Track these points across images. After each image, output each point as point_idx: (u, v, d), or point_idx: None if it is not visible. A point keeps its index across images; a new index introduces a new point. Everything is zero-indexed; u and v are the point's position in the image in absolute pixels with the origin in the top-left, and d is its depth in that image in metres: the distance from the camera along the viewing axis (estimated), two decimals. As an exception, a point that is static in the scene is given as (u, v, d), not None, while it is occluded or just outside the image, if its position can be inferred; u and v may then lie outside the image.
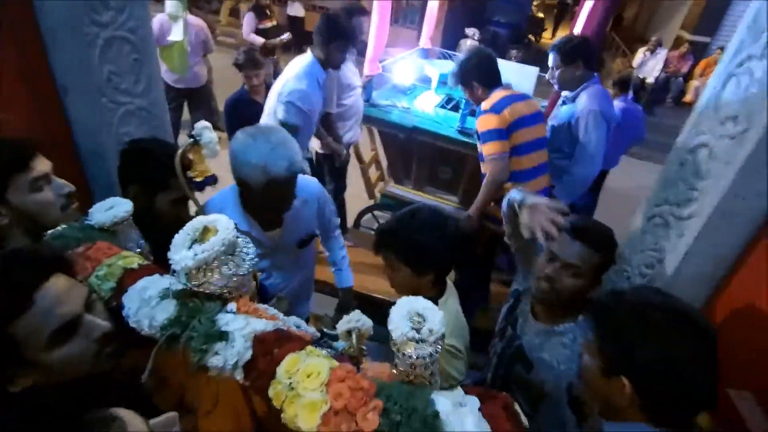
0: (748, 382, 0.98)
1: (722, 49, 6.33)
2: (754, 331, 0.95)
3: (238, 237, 0.87)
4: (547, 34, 13.33)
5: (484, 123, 2.06)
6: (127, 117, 1.46)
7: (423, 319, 0.71)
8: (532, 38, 11.91)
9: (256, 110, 2.63)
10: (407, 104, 3.18)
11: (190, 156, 1.08)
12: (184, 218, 1.22)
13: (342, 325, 0.96)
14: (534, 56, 9.79)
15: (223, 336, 0.74)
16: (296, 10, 8.20)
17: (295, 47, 8.51)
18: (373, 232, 3.49)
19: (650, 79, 6.51)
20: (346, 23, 2.23)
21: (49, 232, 0.96)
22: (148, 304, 0.81)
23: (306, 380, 0.67)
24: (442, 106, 3.29)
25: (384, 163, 3.74)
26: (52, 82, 1.29)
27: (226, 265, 0.81)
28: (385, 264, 1.23)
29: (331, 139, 2.65)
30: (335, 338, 1.04)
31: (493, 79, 2.16)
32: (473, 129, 2.89)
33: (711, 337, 0.75)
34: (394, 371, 0.76)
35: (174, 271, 0.80)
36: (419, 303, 0.74)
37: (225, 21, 8.60)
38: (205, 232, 0.82)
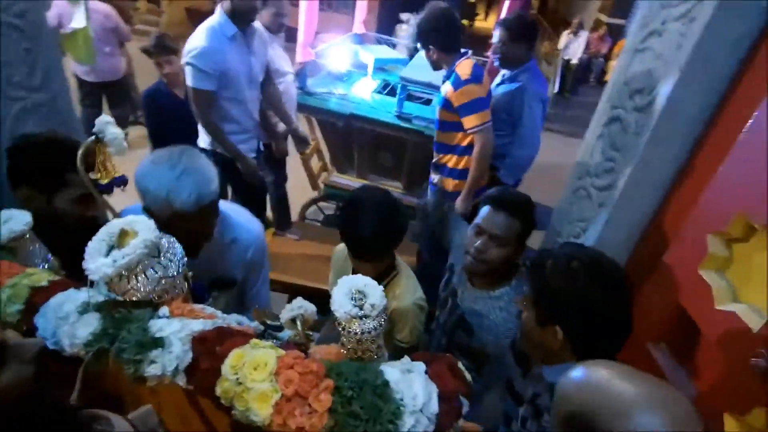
0: (664, 335, 1.07)
1: (635, 30, 6.79)
2: (664, 288, 1.04)
3: (161, 237, 0.81)
4: (480, 19, 13.65)
5: (469, 93, 1.95)
6: (24, 114, 1.30)
7: (364, 296, 0.74)
8: (466, 23, 12.16)
9: (175, 102, 2.46)
10: (344, 91, 3.13)
11: (98, 157, 0.97)
12: (92, 218, 1.14)
13: (285, 314, 0.94)
14: (468, 40, 10.05)
15: (158, 342, 0.70)
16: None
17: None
18: (319, 224, 3.48)
19: (574, 61, 6.89)
20: None
21: None
22: (67, 321, 0.74)
23: (253, 372, 0.66)
24: (379, 92, 3.27)
25: (326, 152, 3.67)
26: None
27: (152, 269, 0.76)
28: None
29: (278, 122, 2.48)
30: (279, 329, 1.02)
31: (454, 45, 2.04)
32: (410, 114, 2.93)
33: (623, 283, 0.86)
34: (343, 351, 0.77)
35: (92, 282, 0.73)
36: (359, 280, 0.76)
37: (144, 8, 7.96)
38: (123, 235, 0.76)
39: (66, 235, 0.92)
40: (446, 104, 2.05)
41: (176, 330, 0.72)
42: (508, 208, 1.19)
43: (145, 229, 0.76)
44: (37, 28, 1.31)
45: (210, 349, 0.71)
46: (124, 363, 0.70)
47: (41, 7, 1.34)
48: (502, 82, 2.41)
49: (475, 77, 1.96)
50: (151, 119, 2.58)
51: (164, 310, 0.77)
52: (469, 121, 1.99)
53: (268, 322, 1.01)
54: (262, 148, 2.49)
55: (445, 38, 2.02)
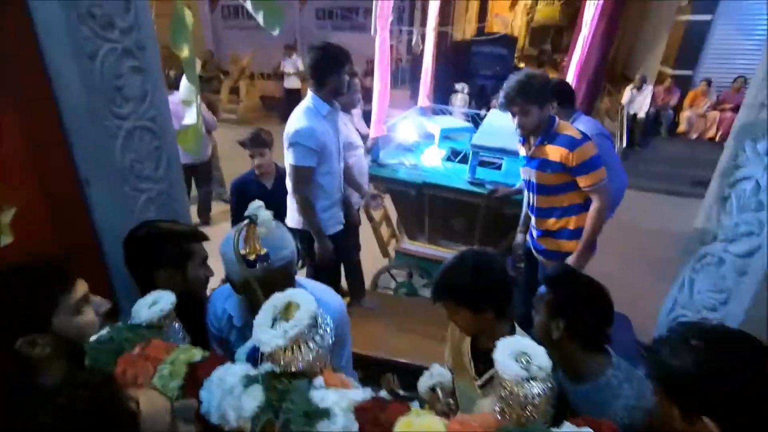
0: None
1: (707, 80, 6.55)
2: None
3: (319, 308, 0.83)
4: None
5: (587, 151, 1.95)
6: (148, 204, 1.44)
7: (529, 357, 0.73)
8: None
9: (262, 192, 2.62)
10: (414, 161, 3.22)
11: (249, 236, 1.05)
12: (207, 277, 1.33)
13: (424, 382, 0.88)
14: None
15: (324, 413, 0.70)
16: (292, 82, 8.62)
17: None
18: (391, 292, 3.44)
19: (641, 114, 6.68)
20: (336, 48, 2.11)
21: (93, 338, 0.90)
22: (232, 394, 0.76)
23: None
24: (448, 159, 3.34)
25: (394, 220, 3.73)
26: (73, 176, 1.28)
27: (313, 340, 0.78)
28: (447, 311, 1.27)
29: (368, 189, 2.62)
30: (410, 399, 0.97)
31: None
32: (483, 179, 2.92)
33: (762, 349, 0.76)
34: (499, 417, 0.75)
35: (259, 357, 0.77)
36: (521, 342, 0.75)
37: (225, 99, 9.03)
38: (288, 308, 0.80)
39: (193, 303, 0.98)
40: (557, 166, 2.00)
41: (337, 400, 0.71)
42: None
43: (306, 301, 0.79)
44: (165, 128, 1.49)
45: (374, 419, 0.70)
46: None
47: (168, 109, 1.53)
48: None
49: (587, 136, 2.00)
50: (238, 205, 2.70)
51: (320, 380, 0.78)
52: (587, 180, 1.97)
53: (400, 392, 0.96)
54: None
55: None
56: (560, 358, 1.11)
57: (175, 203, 1.55)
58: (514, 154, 2.80)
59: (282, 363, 0.76)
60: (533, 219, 2.25)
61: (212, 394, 0.77)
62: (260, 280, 1.04)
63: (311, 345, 0.77)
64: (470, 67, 9.57)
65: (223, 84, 9.03)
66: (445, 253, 3.27)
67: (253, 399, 0.74)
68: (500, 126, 3.26)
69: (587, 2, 3.48)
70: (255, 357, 1.00)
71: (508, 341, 0.76)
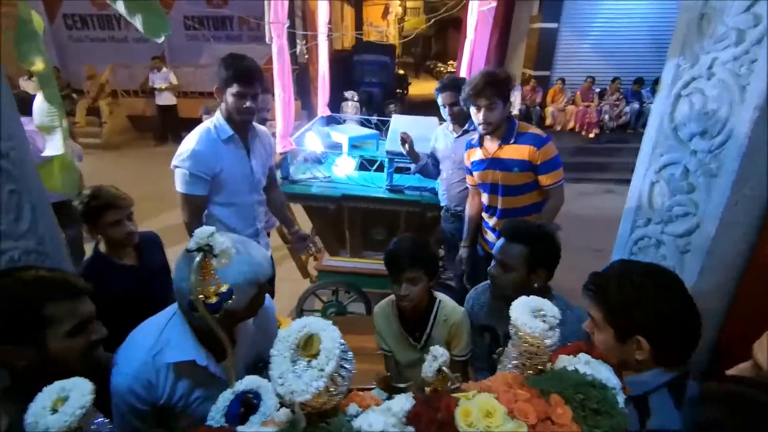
0: None
1: (561, 80, 7.55)
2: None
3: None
4: (412, 88, 14.68)
5: (552, 149, 1.95)
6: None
7: (543, 311, 0.80)
8: (401, 92, 13.00)
9: (125, 274, 1.78)
10: (326, 173, 3.06)
11: (205, 273, 0.85)
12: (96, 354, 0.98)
13: (430, 366, 0.83)
14: (407, 107, 10.68)
15: None
16: (166, 98, 7.75)
17: (173, 137, 7.99)
18: (319, 315, 3.22)
19: (515, 111, 7.42)
20: (240, 63, 1.74)
21: None
22: None
23: (491, 419, 0.66)
24: (360, 168, 3.25)
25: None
26: None
27: (344, 368, 0.69)
28: (409, 282, 1.43)
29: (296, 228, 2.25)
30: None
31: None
32: (401, 185, 2.89)
33: (683, 285, 0.94)
34: (517, 372, 0.80)
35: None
36: (530, 300, 0.83)
37: (83, 122, 7.74)
38: (309, 342, 0.69)
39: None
40: (524, 165, 1.96)
41: (385, 419, 0.68)
42: (519, 239, 1.38)
43: (325, 328, 0.70)
44: (23, 165, 1.12)
45: (430, 421, 0.67)
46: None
47: (25, 137, 1.16)
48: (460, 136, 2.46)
49: (549, 136, 2.00)
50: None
51: (353, 407, 0.72)
52: (550, 178, 1.96)
53: (400, 386, 0.87)
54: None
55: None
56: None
57: (49, 261, 1.18)
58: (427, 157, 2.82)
59: (315, 406, 0.66)
60: (493, 220, 2.17)
61: None
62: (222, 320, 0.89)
63: (344, 374, 0.68)
64: (355, 75, 9.70)
65: (78, 104, 7.73)
66: (370, 264, 3.17)
67: None
68: (408, 130, 3.28)
69: (468, 8, 3.71)
70: (237, 413, 0.81)
71: (519, 303, 0.82)
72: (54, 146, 1.59)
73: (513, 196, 2.06)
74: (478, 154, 2.10)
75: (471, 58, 3.55)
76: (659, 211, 1.25)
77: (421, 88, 15.04)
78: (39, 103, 1.57)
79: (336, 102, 7.74)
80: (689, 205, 1.14)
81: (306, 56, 7.42)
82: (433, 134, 2.67)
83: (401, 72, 14.67)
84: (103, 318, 1.00)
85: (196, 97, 7.83)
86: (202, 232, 0.84)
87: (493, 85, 1.88)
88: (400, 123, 3.52)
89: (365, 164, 3.26)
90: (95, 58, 8.12)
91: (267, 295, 1.14)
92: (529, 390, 0.70)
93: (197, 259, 0.83)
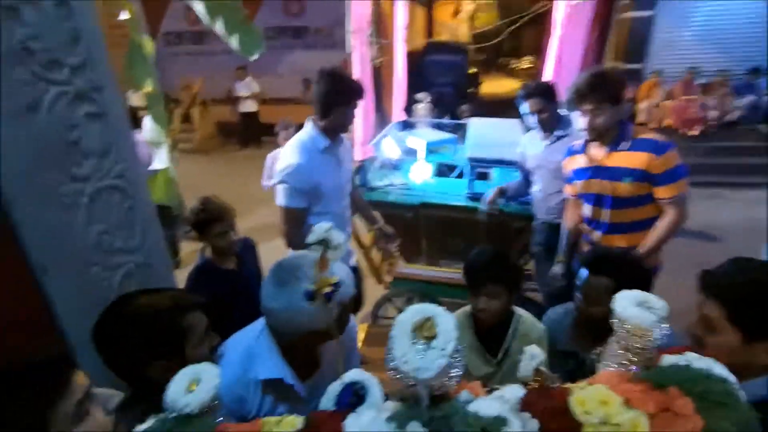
0: None
1: (657, 72, 6.81)
2: None
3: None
4: (484, 86, 14.21)
5: (674, 157, 1.72)
6: (125, 283, 1.13)
7: (647, 301, 0.76)
8: (472, 91, 12.62)
9: (228, 277, 1.93)
10: (403, 180, 3.02)
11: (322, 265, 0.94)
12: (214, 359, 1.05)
13: (528, 367, 0.84)
14: (480, 108, 10.29)
15: (500, 421, 0.64)
16: (248, 106, 8.24)
17: (254, 142, 8.50)
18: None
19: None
20: (349, 79, 1.84)
21: None
22: None
23: (608, 407, 0.62)
24: (438, 174, 3.16)
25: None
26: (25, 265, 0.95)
27: (457, 351, 0.68)
28: (486, 296, 1.39)
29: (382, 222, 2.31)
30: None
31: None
32: (482, 193, 2.75)
33: None
34: (629, 366, 0.76)
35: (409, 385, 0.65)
36: (633, 293, 0.78)
37: (178, 128, 8.49)
38: (423, 325, 0.68)
39: None
40: (638, 175, 1.74)
41: (499, 405, 0.66)
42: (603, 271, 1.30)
43: (441, 312, 0.69)
44: (137, 183, 1.18)
45: (544, 409, 0.66)
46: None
47: (136, 156, 1.23)
48: (553, 143, 2.27)
49: (672, 142, 1.76)
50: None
51: (464, 393, 0.71)
52: (669, 190, 1.72)
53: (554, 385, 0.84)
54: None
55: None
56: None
57: (157, 275, 1.24)
58: (510, 164, 2.66)
59: (435, 388, 0.66)
60: (596, 235, 1.95)
61: None
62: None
63: (458, 356, 0.67)
64: (426, 77, 9.58)
65: (174, 112, 8.51)
66: (447, 273, 3.08)
67: None
68: (489, 135, 3.13)
69: (555, 3, 3.45)
70: (348, 401, 0.79)
71: (623, 296, 0.78)
72: (160, 160, 1.72)
73: (622, 209, 1.84)
74: (580, 161, 1.91)
75: (559, 56, 3.30)
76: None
77: (493, 86, 14.48)
78: (148, 120, 1.71)
79: (407, 104, 7.71)
80: None
81: (380, 60, 7.45)
82: (521, 143, 2.51)
83: (473, 70, 14.27)
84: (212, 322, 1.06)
85: (275, 104, 8.23)
86: (320, 227, 0.92)
87: (601, 87, 1.69)
88: (479, 127, 3.37)
89: (443, 170, 3.17)
90: (189, 70, 8.87)
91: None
92: (642, 382, 0.67)
93: (313, 254, 0.92)
